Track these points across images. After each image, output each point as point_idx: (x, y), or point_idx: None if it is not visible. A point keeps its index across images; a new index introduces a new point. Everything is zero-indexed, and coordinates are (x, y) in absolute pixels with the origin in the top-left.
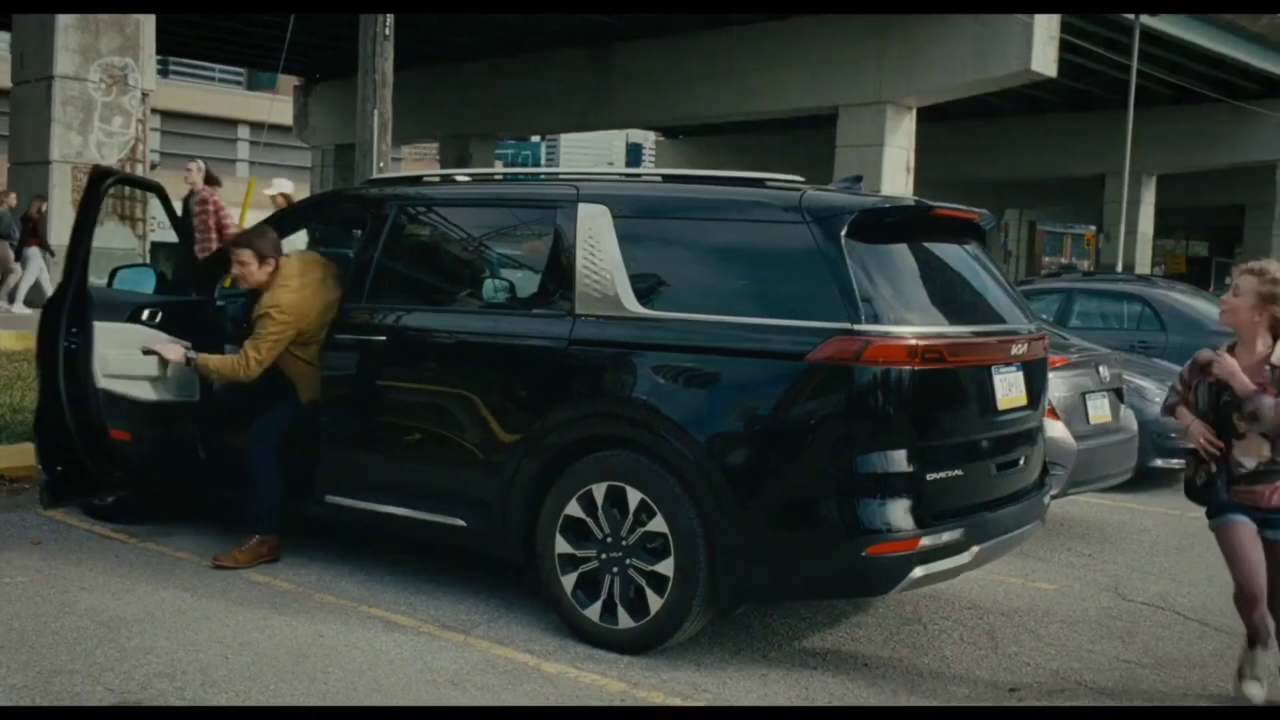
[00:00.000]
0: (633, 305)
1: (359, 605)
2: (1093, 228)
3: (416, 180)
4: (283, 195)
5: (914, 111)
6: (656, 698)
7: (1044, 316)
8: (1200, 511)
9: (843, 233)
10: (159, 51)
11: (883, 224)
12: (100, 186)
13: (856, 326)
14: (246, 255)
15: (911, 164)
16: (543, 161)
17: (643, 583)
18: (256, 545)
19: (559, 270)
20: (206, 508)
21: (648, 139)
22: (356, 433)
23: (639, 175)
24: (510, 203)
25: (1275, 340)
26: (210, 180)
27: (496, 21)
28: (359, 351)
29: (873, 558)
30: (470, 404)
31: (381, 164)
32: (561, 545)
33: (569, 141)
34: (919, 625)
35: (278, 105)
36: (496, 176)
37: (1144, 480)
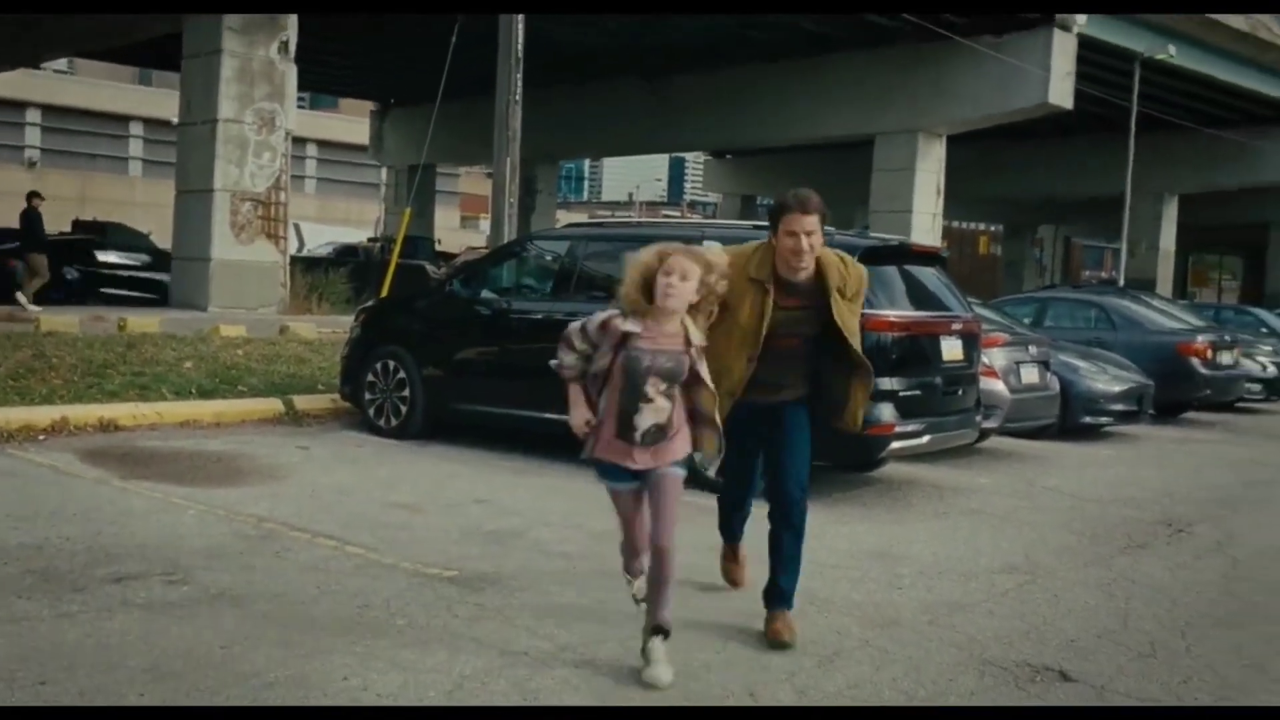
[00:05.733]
0: None
1: None
2: None
3: (599, 224)
4: None
5: (944, 138)
6: None
7: (1025, 320)
8: (1104, 446)
9: (856, 259)
10: None
11: (880, 254)
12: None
13: (865, 311)
14: None
15: (941, 185)
16: (587, 175)
17: None
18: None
19: None
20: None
21: (693, 157)
22: None
23: (738, 224)
24: (661, 239)
25: None
26: None
27: (558, 52)
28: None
29: (870, 436)
30: None
31: (511, 199)
32: None
33: (613, 159)
34: (899, 491)
35: (343, 124)
36: (648, 221)
37: (1074, 432)
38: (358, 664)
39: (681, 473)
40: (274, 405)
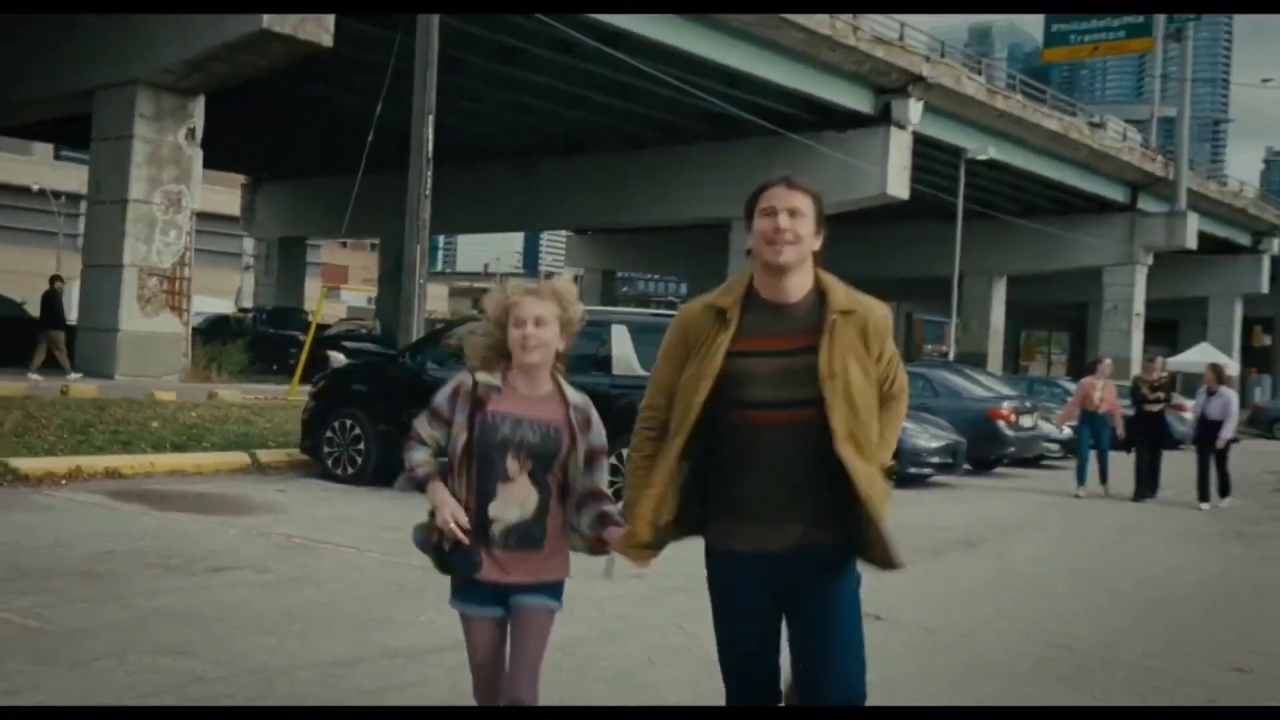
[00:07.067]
0: (638, 369)
1: None
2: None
3: None
4: None
5: None
6: None
7: None
8: (926, 491)
9: None
10: None
11: None
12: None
13: None
14: None
15: None
16: (441, 246)
17: None
18: None
19: (606, 354)
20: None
21: (555, 233)
22: None
23: (639, 311)
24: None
25: None
26: None
27: (437, 139)
28: None
29: None
30: None
31: (421, 280)
32: None
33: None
34: None
35: (206, 194)
36: None
37: (902, 481)
38: (421, 611)
39: (552, 606)
40: (241, 458)
